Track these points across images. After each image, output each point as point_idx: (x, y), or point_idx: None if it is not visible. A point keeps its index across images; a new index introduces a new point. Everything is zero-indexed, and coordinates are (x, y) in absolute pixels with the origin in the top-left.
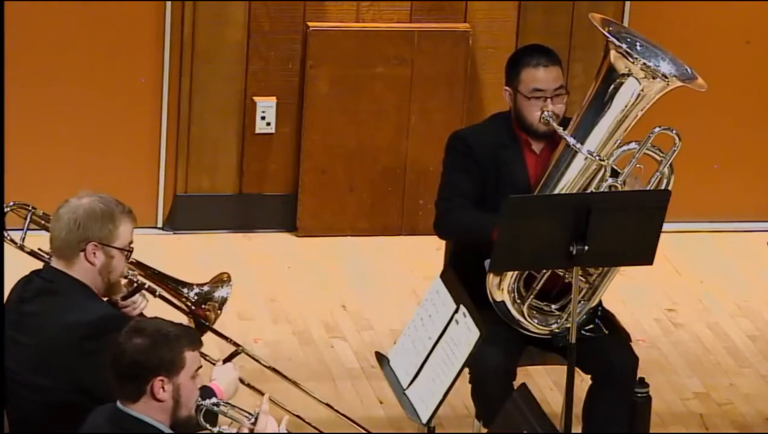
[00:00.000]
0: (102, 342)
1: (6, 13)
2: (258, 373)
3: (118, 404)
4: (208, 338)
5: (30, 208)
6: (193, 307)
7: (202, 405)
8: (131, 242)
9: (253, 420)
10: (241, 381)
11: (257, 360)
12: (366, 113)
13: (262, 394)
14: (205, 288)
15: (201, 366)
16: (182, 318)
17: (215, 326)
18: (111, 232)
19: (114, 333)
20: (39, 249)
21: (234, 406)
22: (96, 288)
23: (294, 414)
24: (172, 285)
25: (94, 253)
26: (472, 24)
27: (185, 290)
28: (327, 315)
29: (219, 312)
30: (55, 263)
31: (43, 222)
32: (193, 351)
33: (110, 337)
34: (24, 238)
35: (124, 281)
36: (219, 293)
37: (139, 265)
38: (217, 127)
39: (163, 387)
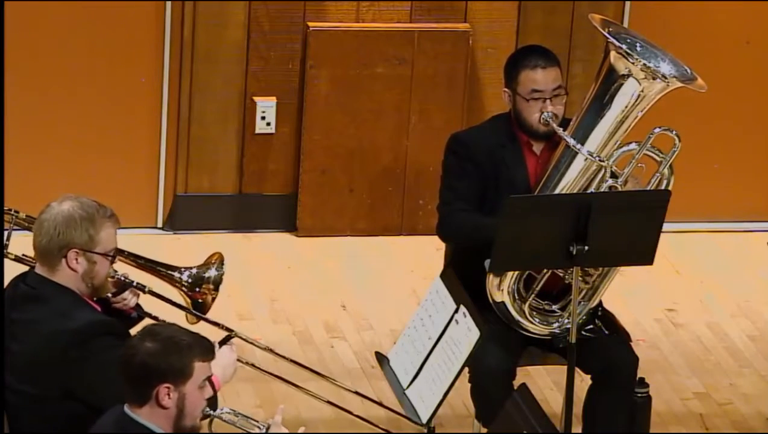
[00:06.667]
0: (88, 349)
1: (6, 13)
2: (259, 373)
3: (125, 407)
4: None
5: (12, 212)
6: (189, 292)
7: (211, 415)
8: (115, 247)
9: (264, 430)
10: (240, 360)
11: (252, 343)
12: (366, 113)
13: (267, 372)
14: (195, 270)
15: (211, 376)
16: (177, 318)
17: (211, 310)
18: (92, 238)
19: (101, 338)
20: (24, 254)
21: (246, 416)
22: (80, 292)
23: (329, 402)
24: (164, 272)
25: (76, 260)
26: (472, 24)
27: (177, 274)
28: (327, 315)
29: (215, 293)
30: (39, 269)
31: (27, 224)
32: (203, 362)
33: (97, 343)
34: (8, 244)
35: (111, 280)
36: (212, 273)
37: (129, 255)
38: (217, 127)
39: (168, 395)
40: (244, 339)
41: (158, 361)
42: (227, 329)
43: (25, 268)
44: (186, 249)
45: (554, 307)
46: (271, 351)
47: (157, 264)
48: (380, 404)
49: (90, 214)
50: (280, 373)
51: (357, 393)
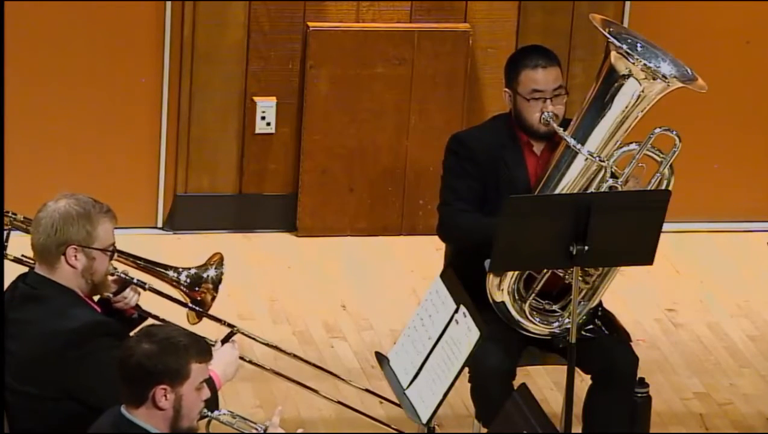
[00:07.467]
0: (87, 350)
1: (6, 13)
2: (258, 373)
3: (122, 408)
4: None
5: (10, 214)
6: (188, 292)
7: (209, 416)
8: (113, 242)
9: (262, 432)
10: (242, 358)
11: (255, 339)
12: (366, 113)
13: (267, 369)
14: (193, 270)
15: (208, 378)
16: (178, 318)
17: (213, 308)
18: (89, 234)
19: (99, 339)
20: (23, 255)
21: (243, 418)
22: (81, 290)
23: (339, 402)
24: (163, 272)
25: (75, 256)
26: (472, 24)
27: (176, 274)
28: (327, 315)
29: (214, 293)
30: (39, 268)
31: (25, 226)
32: (200, 363)
33: (95, 343)
34: (6, 245)
35: (111, 278)
36: (211, 273)
37: (128, 255)
38: (217, 127)
39: (165, 396)
40: (246, 335)
41: (155, 362)
42: (229, 325)
43: (25, 269)
44: (186, 250)
45: (554, 307)
46: (274, 347)
47: (156, 264)
48: (387, 400)
49: (86, 210)
50: (281, 372)
51: (367, 390)
